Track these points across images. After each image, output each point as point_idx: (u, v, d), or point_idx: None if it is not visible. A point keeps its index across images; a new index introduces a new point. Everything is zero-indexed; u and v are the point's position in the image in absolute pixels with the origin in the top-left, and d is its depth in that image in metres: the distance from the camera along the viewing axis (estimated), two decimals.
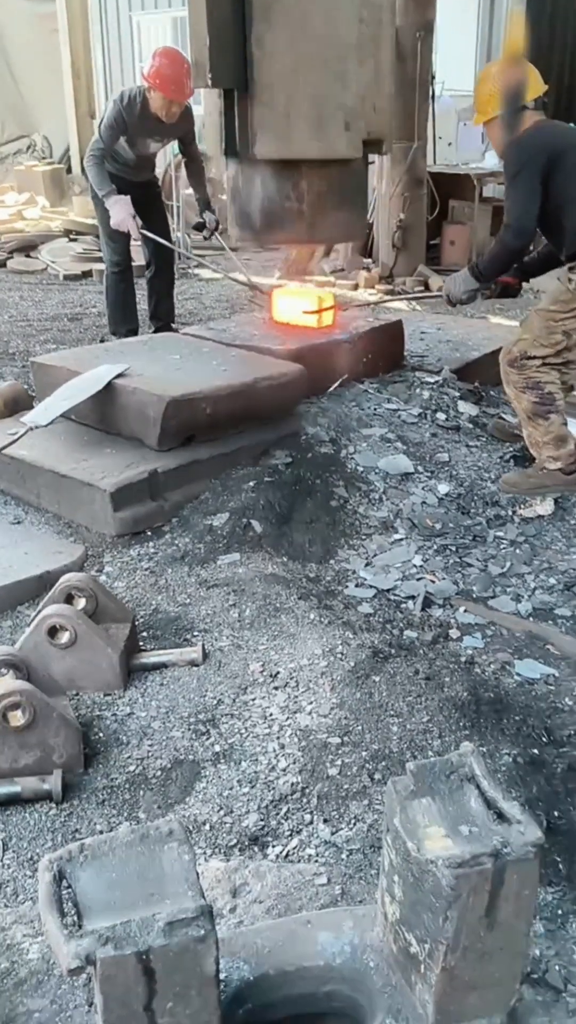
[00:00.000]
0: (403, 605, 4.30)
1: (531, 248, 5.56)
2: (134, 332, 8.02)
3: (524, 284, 5.94)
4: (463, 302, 5.75)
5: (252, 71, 5.40)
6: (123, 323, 8.13)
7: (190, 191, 12.18)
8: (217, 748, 3.30)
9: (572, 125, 5.55)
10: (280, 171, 5.57)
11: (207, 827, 2.97)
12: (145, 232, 7.62)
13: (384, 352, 6.69)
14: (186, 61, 7.31)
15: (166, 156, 9.54)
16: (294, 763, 3.20)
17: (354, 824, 2.95)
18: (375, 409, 6.04)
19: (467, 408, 6.36)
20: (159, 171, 8.61)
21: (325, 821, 2.97)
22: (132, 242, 8.03)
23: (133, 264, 8.16)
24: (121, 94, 7.44)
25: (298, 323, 6.52)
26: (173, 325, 8.29)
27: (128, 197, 7.38)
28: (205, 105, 5.92)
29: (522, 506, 5.12)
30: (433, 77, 11.24)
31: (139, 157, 7.70)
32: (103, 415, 5.30)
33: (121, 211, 7.36)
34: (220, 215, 7.76)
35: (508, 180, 5.14)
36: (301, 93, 5.34)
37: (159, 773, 3.20)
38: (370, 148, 5.73)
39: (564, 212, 5.04)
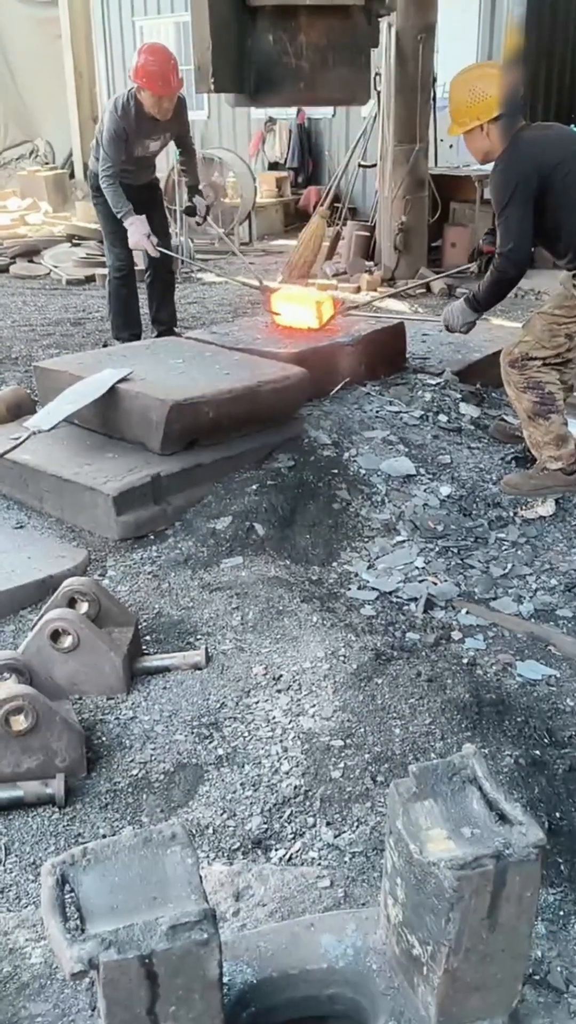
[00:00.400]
0: (405, 607, 4.30)
1: None
2: (137, 337, 8.02)
3: (526, 287, 5.95)
4: (462, 332, 5.84)
5: None
6: (125, 328, 8.13)
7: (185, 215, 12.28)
8: (220, 751, 3.30)
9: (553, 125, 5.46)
10: (277, 22, 5.33)
11: (210, 830, 2.97)
12: (162, 250, 7.63)
13: (386, 354, 6.70)
14: (172, 56, 7.32)
15: (168, 160, 9.53)
16: (297, 766, 3.20)
17: (357, 827, 2.95)
18: (377, 411, 6.04)
19: (469, 410, 6.36)
20: (162, 173, 8.60)
21: (328, 824, 2.97)
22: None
23: (136, 269, 8.15)
24: (114, 103, 7.43)
25: (298, 325, 6.53)
26: (176, 329, 8.29)
27: (144, 217, 7.40)
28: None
29: (523, 507, 5.12)
30: (434, 79, 11.23)
31: (140, 159, 7.69)
32: (106, 419, 5.30)
33: (137, 232, 7.40)
34: (225, 216, 7.76)
35: (498, 207, 5.08)
36: None
37: (162, 777, 3.20)
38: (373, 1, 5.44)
39: (561, 225, 5.04)
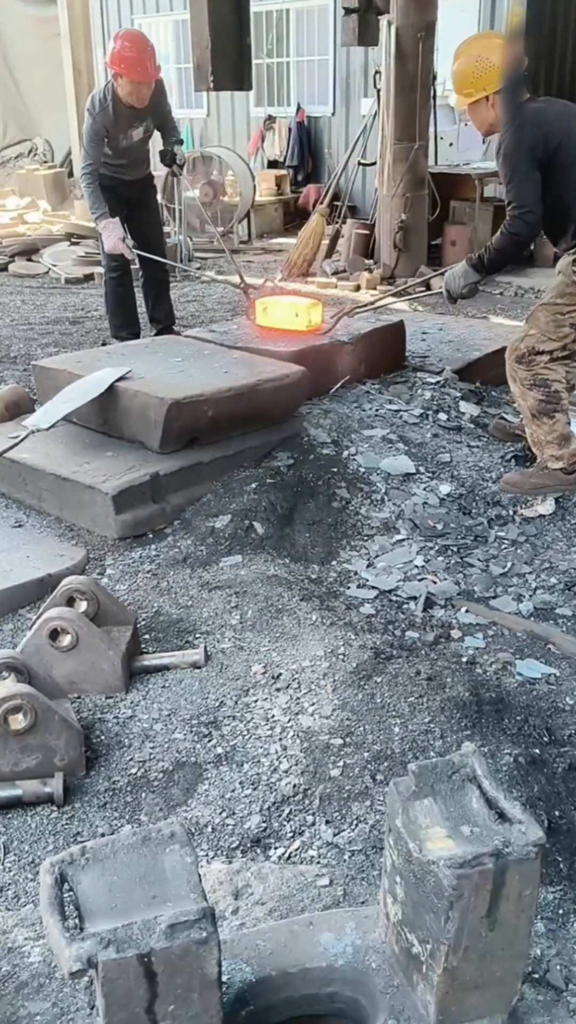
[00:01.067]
0: (405, 606, 4.30)
1: None
2: (135, 335, 8.01)
3: (526, 285, 5.91)
4: (464, 296, 5.56)
5: None
6: (124, 327, 8.12)
7: (191, 194, 12.24)
8: (219, 750, 3.30)
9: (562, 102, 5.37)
10: None
11: (209, 829, 2.97)
12: (140, 253, 7.59)
13: (385, 353, 6.70)
14: (148, 41, 7.25)
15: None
16: (296, 764, 3.20)
17: (356, 825, 2.95)
18: (377, 410, 6.04)
19: (469, 408, 6.36)
20: (161, 172, 8.54)
21: (327, 822, 2.97)
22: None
23: (132, 267, 8.14)
24: (91, 101, 7.35)
25: (283, 328, 6.52)
26: (175, 327, 8.28)
27: (118, 220, 7.33)
28: None
29: (523, 506, 5.11)
30: (434, 77, 11.23)
31: (125, 150, 7.61)
32: (105, 418, 5.30)
33: (111, 236, 7.32)
34: (224, 214, 7.69)
35: (509, 171, 4.95)
36: None
37: (161, 775, 3.20)
38: None
39: (563, 202, 4.97)
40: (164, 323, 8.30)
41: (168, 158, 8.10)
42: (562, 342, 5.06)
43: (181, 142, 8.20)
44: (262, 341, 6.22)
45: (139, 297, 8.39)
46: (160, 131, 7.95)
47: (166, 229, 10.65)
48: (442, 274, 5.93)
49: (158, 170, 8.28)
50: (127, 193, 7.49)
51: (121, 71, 7.12)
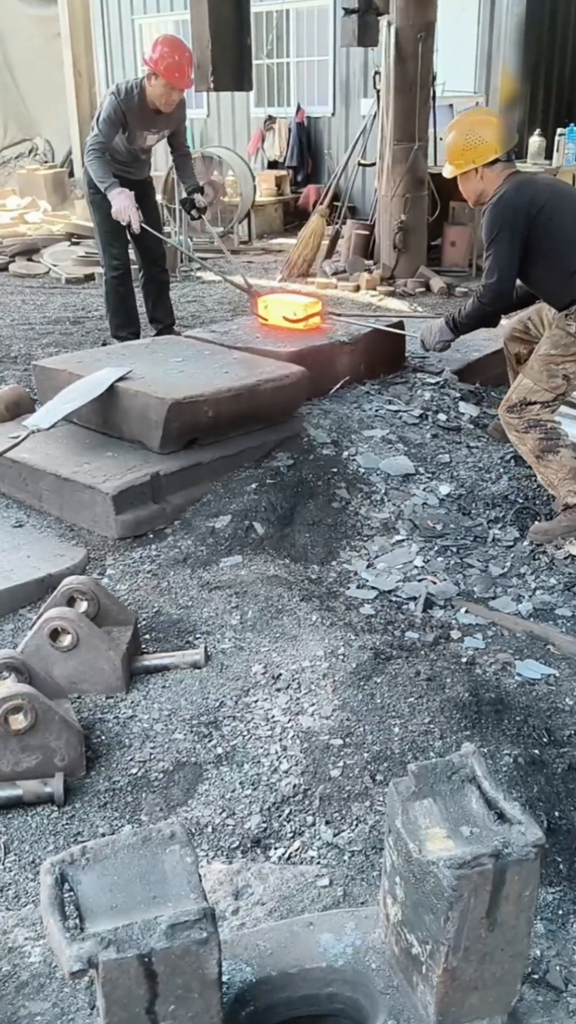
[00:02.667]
0: (404, 606, 4.30)
1: None
2: (136, 335, 8.00)
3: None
4: (437, 351, 5.81)
5: None
6: (124, 327, 8.11)
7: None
8: (219, 750, 3.30)
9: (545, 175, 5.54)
10: None
11: (209, 829, 2.97)
12: (146, 227, 7.56)
13: (385, 353, 6.70)
14: (188, 49, 7.30)
15: (167, 158, 9.48)
16: (296, 765, 3.20)
17: (356, 826, 2.95)
18: (376, 410, 6.05)
19: (468, 409, 6.36)
20: (162, 173, 8.55)
21: (327, 823, 2.97)
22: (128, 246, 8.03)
23: (132, 267, 8.13)
24: (117, 87, 7.39)
25: (284, 327, 6.53)
26: (175, 327, 8.27)
27: (131, 192, 7.34)
28: None
29: (554, 548, 4.97)
30: (434, 78, 11.22)
31: (136, 152, 7.64)
32: (105, 418, 5.31)
33: (124, 200, 7.26)
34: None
35: (487, 241, 5.09)
36: None
37: (161, 776, 3.21)
38: None
39: (551, 266, 5.04)
40: (164, 323, 8.29)
41: (189, 206, 8.25)
42: (554, 393, 5.04)
43: (201, 189, 8.26)
44: (262, 341, 6.22)
45: (139, 297, 8.37)
46: (171, 142, 7.99)
47: (167, 229, 10.63)
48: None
49: (157, 170, 8.28)
50: (131, 190, 7.46)
51: (161, 73, 7.11)
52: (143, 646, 3.93)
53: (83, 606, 3.72)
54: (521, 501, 5.26)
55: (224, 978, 1.99)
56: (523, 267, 5.09)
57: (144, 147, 7.69)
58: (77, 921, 1.86)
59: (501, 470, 5.56)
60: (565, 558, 4.74)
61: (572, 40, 14.71)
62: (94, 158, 7.32)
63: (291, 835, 2.95)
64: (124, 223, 7.38)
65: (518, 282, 5.22)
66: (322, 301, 7.00)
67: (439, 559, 4.69)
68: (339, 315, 7.01)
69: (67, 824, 3.03)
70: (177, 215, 12.07)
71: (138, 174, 7.76)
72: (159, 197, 8.53)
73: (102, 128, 7.32)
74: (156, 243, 8.08)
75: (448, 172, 5.36)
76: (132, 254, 8.09)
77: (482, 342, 7.42)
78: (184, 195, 8.25)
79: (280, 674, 3.69)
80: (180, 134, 7.99)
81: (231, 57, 5.56)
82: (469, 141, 5.14)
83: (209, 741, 3.35)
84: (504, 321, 5.86)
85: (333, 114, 16.33)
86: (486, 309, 5.29)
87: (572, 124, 12.23)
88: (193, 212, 8.29)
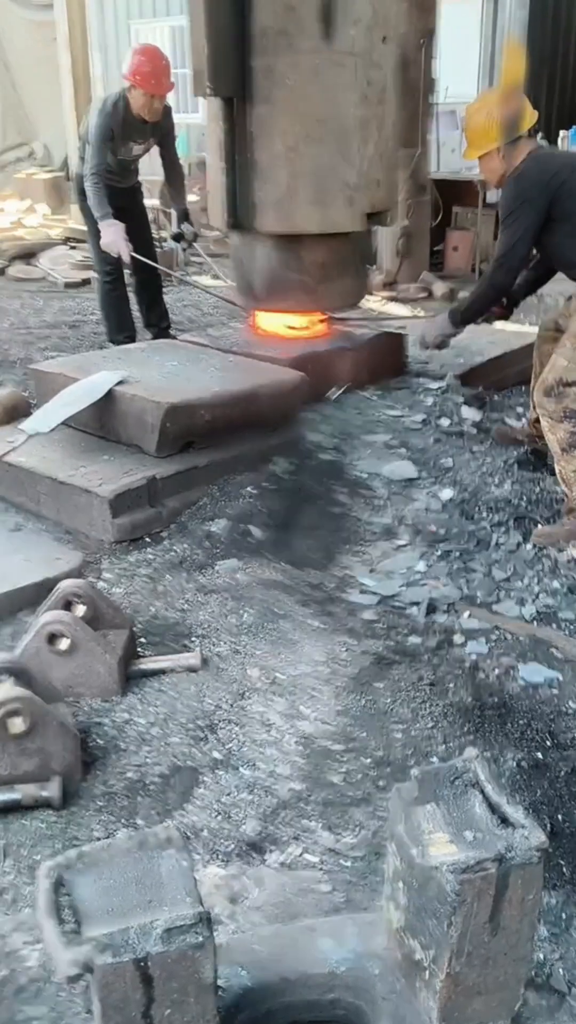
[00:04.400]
0: (407, 611, 4.28)
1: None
2: (131, 339, 7.99)
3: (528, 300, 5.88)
4: (437, 347, 5.81)
5: (252, 149, 5.60)
6: (119, 331, 8.11)
7: (193, 198, 12.23)
8: (216, 754, 3.28)
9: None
10: (282, 243, 5.58)
11: (205, 833, 2.95)
12: (136, 256, 7.58)
13: (387, 358, 6.69)
14: (164, 57, 7.36)
15: (151, 166, 9.42)
16: (296, 770, 3.18)
17: (358, 831, 2.93)
18: (378, 416, 6.04)
19: (471, 413, 6.35)
20: (159, 177, 8.54)
21: (328, 828, 2.95)
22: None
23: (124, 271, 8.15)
24: (103, 102, 7.43)
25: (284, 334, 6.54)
26: (171, 332, 8.27)
27: (123, 225, 7.35)
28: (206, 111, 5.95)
29: (557, 551, 4.92)
30: (436, 83, 11.24)
31: (122, 162, 7.64)
32: (102, 422, 5.29)
33: (114, 234, 7.31)
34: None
35: (503, 216, 5.10)
36: (303, 170, 5.38)
37: (157, 779, 3.18)
38: (373, 220, 5.72)
39: (568, 245, 5.03)
40: (159, 326, 8.29)
41: (177, 238, 8.38)
42: None
43: (187, 215, 8.30)
44: (260, 347, 6.22)
45: (134, 300, 8.37)
46: (163, 154, 8.01)
47: (163, 233, 10.63)
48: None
49: (155, 174, 8.29)
50: (116, 201, 7.46)
51: (138, 83, 7.19)
52: (139, 650, 3.90)
53: (80, 610, 3.69)
54: (524, 505, 5.23)
55: (221, 983, 1.98)
56: (546, 240, 5.06)
57: (129, 158, 7.70)
58: (74, 925, 1.85)
59: (504, 474, 5.54)
60: (568, 561, 4.71)
61: (575, 44, 14.73)
62: (92, 185, 7.31)
63: (289, 840, 2.92)
64: (114, 255, 7.44)
65: (516, 277, 5.19)
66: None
67: (441, 563, 4.67)
68: (344, 319, 6.98)
69: (64, 828, 3.00)
70: (172, 221, 12.06)
71: (124, 182, 7.77)
72: (155, 200, 8.51)
73: (96, 151, 7.33)
74: (147, 247, 8.08)
75: (469, 154, 5.34)
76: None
77: (485, 346, 7.42)
78: (175, 229, 8.36)
79: (278, 678, 3.66)
80: (169, 146, 8.01)
81: (228, 63, 5.54)
82: (489, 121, 5.12)
83: (205, 745, 3.33)
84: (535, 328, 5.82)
85: None
86: (496, 285, 5.27)
87: (575, 127, 12.24)
88: (182, 244, 8.42)
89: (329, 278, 5.68)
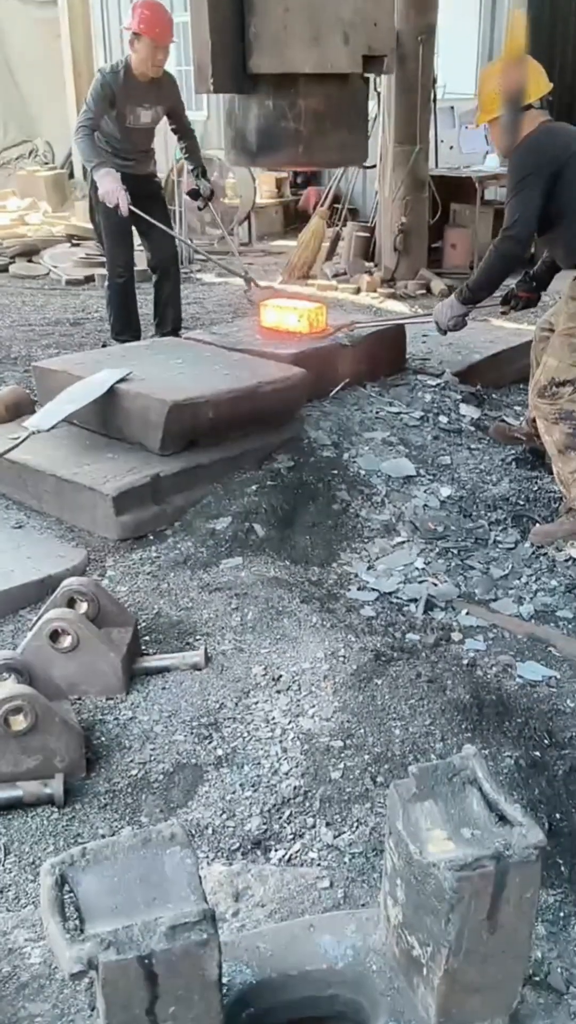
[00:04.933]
0: (405, 608, 4.30)
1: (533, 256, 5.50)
2: (135, 338, 7.95)
3: (543, 294, 5.82)
4: (451, 329, 5.72)
5: None
6: (124, 331, 8.05)
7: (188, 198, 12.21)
8: (219, 752, 3.30)
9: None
10: (276, 89, 5.42)
11: (209, 831, 2.97)
12: (135, 210, 7.41)
13: (386, 355, 6.70)
14: (166, 10, 7.36)
15: (169, 160, 9.42)
16: (296, 767, 3.20)
17: (357, 827, 2.95)
18: (377, 412, 6.05)
19: (469, 411, 6.36)
20: (162, 175, 8.51)
21: (328, 825, 2.97)
22: (136, 249, 7.99)
23: (136, 270, 8.10)
24: (102, 67, 7.40)
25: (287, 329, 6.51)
26: (180, 332, 8.22)
27: (118, 173, 7.25)
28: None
29: (555, 550, 4.87)
30: (435, 80, 11.22)
31: (131, 133, 7.55)
32: (105, 419, 5.30)
33: (111, 182, 7.19)
34: (225, 216, 7.61)
35: (510, 185, 5.03)
36: (298, 6, 5.20)
37: (161, 777, 3.20)
38: (370, 66, 5.57)
39: (568, 220, 4.97)
40: (169, 328, 8.21)
41: (194, 195, 8.24)
42: None
43: (205, 173, 8.21)
44: (263, 344, 6.22)
45: (141, 301, 8.33)
46: (174, 125, 7.94)
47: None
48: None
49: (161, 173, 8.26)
50: (134, 191, 7.39)
51: (143, 31, 7.14)
52: (143, 647, 3.92)
53: (83, 607, 3.71)
54: (522, 503, 5.25)
55: (224, 980, 1.99)
56: (545, 215, 4.99)
57: (138, 126, 7.58)
58: (77, 922, 1.86)
59: (502, 472, 5.56)
60: (566, 560, 4.73)
61: (573, 42, 14.71)
62: (82, 136, 7.24)
63: (291, 837, 2.94)
64: (111, 205, 7.28)
65: (525, 249, 5.14)
66: (325, 305, 6.95)
67: (440, 561, 4.69)
68: (361, 324, 6.95)
69: (67, 825, 3.02)
70: (178, 218, 12.06)
71: (140, 168, 7.68)
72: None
73: (91, 104, 7.27)
74: (168, 243, 8.03)
75: (478, 119, 5.33)
76: (141, 257, 8.06)
77: (483, 344, 7.43)
78: (191, 183, 8.16)
79: (280, 676, 3.68)
80: (179, 114, 7.92)
81: (231, 58, 5.52)
82: (499, 89, 5.09)
83: (209, 743, 3.34)
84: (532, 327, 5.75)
85: None
86: (504, 255, 5.15)
87: (573, 126, 12.20)
88: (198, 203, 8.21)
89: (324, 130, 5.50)
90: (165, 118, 7.83)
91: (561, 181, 4.91)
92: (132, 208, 7.38)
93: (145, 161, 7.83)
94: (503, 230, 5.09)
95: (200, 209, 8.64)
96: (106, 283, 8.34)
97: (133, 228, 7.73)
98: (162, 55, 7.33)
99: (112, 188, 7.19)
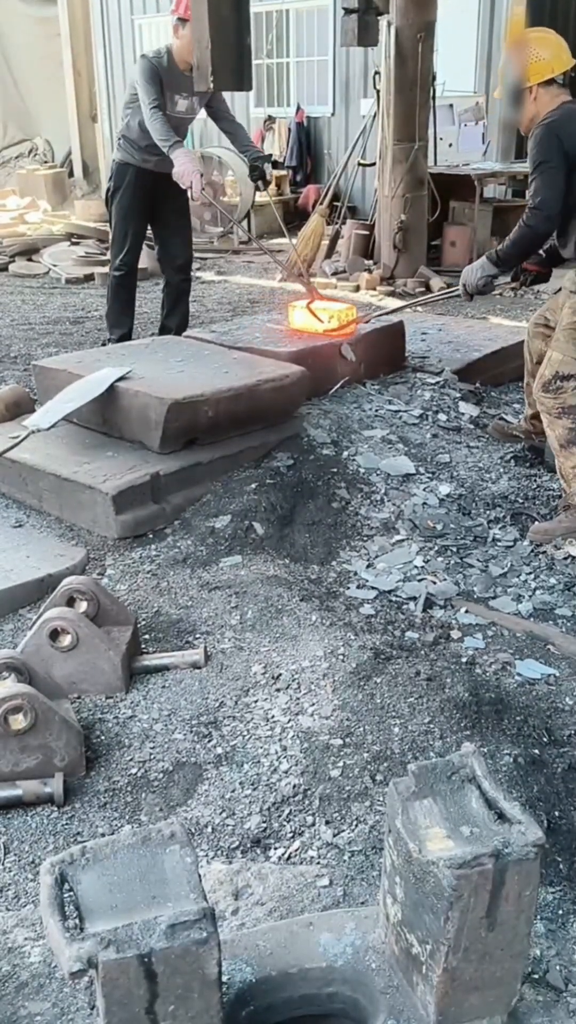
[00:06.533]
0: (404, 606, 4.30)
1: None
2: (127, 337, 7.87)
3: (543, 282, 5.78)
4: (480, 291, 5.51)
5: None
6: (117, 327, 7.92)
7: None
8: (219, 750, 3.30)
9: None
10: None
11: (209, 829, 2.97)
12: (206, 196, 7.24)
13: (385, 353, 6.70)
14: None
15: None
16: (296, 765, 3.20)
17: (356, 826, 2.95)
18: (376, 410, 6.04)
19: (468, 409, 6.36)
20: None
21: (327, 823, 2.97)
22: (145, 244, 7.92)
23: (139, 267, 8.02)
24: (144, 54, 7.19)
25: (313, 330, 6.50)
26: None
27: (195, 153, 7.00)
28: None
29: (553, 548, 4.86)
30: (434, 78, 11.23)
31: (171, 119, 7.18)
32: (105, 418, 5.31)
33: (188, 163, 6.94)
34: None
35: (534, 164, 4.96)
36: None
37: (161, 776, 3.21)
38: None
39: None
40: (174, 332, 8.10)
41: (257, 174, 7.73)
42: None
43: (269, 157, 7.92)
44: (262, 341, 6.22)
45: (143, 300, 8.27)
46: (214, 116, 7.64)
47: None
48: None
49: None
50: (157, 188, 7.26)
51: (188, 15, 6.75)
52: (143, 646, 3.93)
53: (83, 606, 3.72)
54: (521, 501, 5.25)
55: (224, 978, 2.00)
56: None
57: (175, 114, 7.29)
58: (77, 921, 1.86)
59: (501, 470, 5.56)
60: (565, 558, 4.73)
61: (572, 41, 14.70)
62: (155, 116, 6.97)
63: (291, 835, 2.95)
64: (185, 187, 7.03)
65: (555, 225, 5.11)
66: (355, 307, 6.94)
67: (439, 559, 4.69)
68: (382, 313, 6.93)
69: (67, 824, 3.03)
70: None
71: (166, 166, 7.24)
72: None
73: (147, 86, 7.03)
74: (182, 248, 7.90)
75: (499, 92, 5.25)
76: (143, 257, 7.99)
77: (483, 342, 7.43)
78: (249, 164, 7.76)
79: (280, 674, 3.69)
80: (219, 101, 7.58)
81: (231, 57, 5.52)
82: (525, 58, 5.04)
83: (209, 741, 3.35)
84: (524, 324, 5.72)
85: (333, 114, 16.34)
86: (534, 230, 5.09)
87: None
88: (260, 183, 7.81)
89: None
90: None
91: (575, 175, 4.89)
92: (205, 195, 7.20)
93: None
94: (530, 208, 5.03)
95: (260, 190, 8.32)
96: (108, 278, 8.24)
97: (150, 226, 7.64)
98: None
99: (188, 169, 6.94)
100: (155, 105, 7.00)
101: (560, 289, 5.16)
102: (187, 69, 6.99)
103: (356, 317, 6.60)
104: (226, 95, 6.00)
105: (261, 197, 14.74)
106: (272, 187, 7.98)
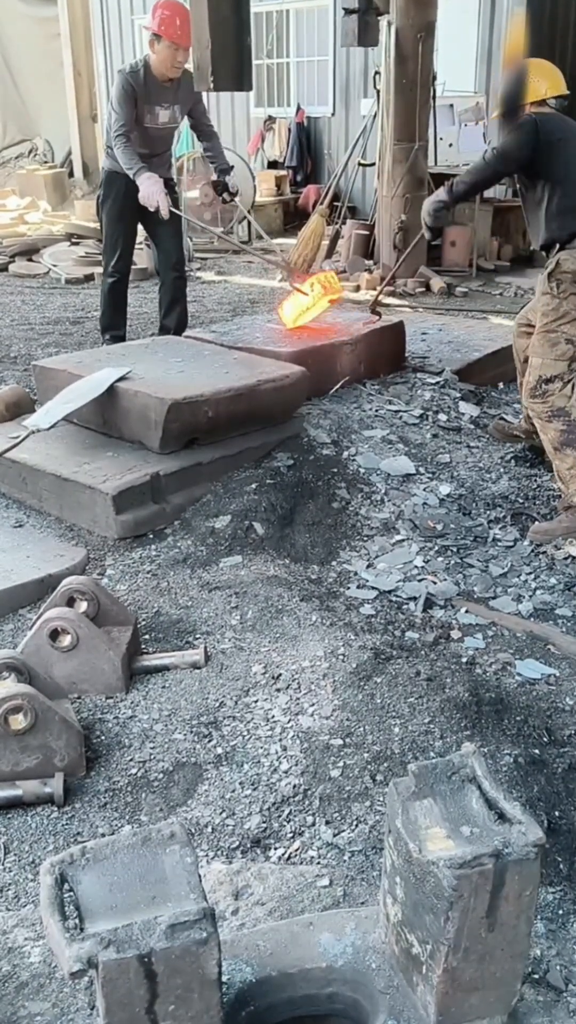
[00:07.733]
0: (404, 606, 4.30)
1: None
2: (120, 339, 7.87)
3: (526, 286, 5.83)
4: (434, 224, 5.60)
5: None
6: (109, 328, 7.94)
7: (194, 194, 12.20)
8: (219, 750, 3.30)
9: None
10: None
11: (209, 829, 2.97)
12: (176, 211, 7.31)
13: (385, 353, 6.70)
14: (187, 11, 7.20)
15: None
16: (296, 765, 3.20)
17: (356, 826, 2.95)
18: (376, 410, 6.04)
19: (468, 409, 6.36)
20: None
21: (327, 823, 2.97)
22: (137, 247, 7.92)
23: (134, 267, 8.03)
24: (121, 68, 7.30)
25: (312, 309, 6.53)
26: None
27: (159, 177, 7.15)
28: None
29: (553, 548, 4.87)
30: (434, 78, 11.22)
31: (149, 132, 7.38)
32: (105, 418, 5.31)
33: (152, 185, 7.02)
34: (224, 215, 7.51)
35: (513, 129, 5.06)
36: None
37: (161, 776, 3.20)
38: None
39: (549, 199, 4.99)
40: (173, 332, 8.10)
41: (220, 188, 8.00)
42: (566, 360, 4.96)
43: (231, 169, 8.08)
44: (262, 341, 6.22)
45: (141, 300, 8.28)
46: (194, 125, 7.84)
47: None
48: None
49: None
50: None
51: (163, 33, 7.01)
52: (143, 646, 3.93)
53: (83, 606, 3.72)
54: (521, 501, 5.25)
55: (224, 978, 2.00)
56: (527, 193, 5.08)
57: (157, 126, 7.43)
58: (77, 921, 1.86)
59: (501, 470, 5.57)
60: (565, 558, 4.73)
61: (572, 41, 14.70)
62: (121, 145, 7.10)
63: (291, 835, 2.95)
64: (152, 209, 7.12)
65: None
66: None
67: (439, 559, 4.69)
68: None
69: (67, 824, 3.03)
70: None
71: (156, 172, 7.36)
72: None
73: (118, 109, 7.15)
74: (176, 247, 7.95)
75: (495, 114, 5.34)
76: (138, 256, 7.99)
77: (483, 342, 7.43)
78: (214, 177, 8.00)
79: (280, 674, 3.68)
80: (201, 112, 7.78)
81: (231, 57, 5.53)
82: (521, 78, 5.08)
83: (209, 741, 3.35)
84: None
85: (333, 114, 16.32)
86: (491, 166, 5.21)
87: None
88: (225, 195, 8.02)
89: None
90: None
91: (554, 159, 4.95)
92: (173, 210, 7.28)
93: (162, 165, 7.66)
94: (493, 148, 5.24)
95: (225, 203, 8.48)
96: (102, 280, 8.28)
97: (138, 231, 7.67)
98: (182, 56, 7.15)
99: (153, 191, 7.04)
100: (121, 132, 7.14)
101: (534, 289, 5.20)
102: (165, 81, 7.22)
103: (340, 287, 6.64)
104: (227, 95, 6.02)
105: (260, 197, 14.81)
106: (238, 196, 8.05)
